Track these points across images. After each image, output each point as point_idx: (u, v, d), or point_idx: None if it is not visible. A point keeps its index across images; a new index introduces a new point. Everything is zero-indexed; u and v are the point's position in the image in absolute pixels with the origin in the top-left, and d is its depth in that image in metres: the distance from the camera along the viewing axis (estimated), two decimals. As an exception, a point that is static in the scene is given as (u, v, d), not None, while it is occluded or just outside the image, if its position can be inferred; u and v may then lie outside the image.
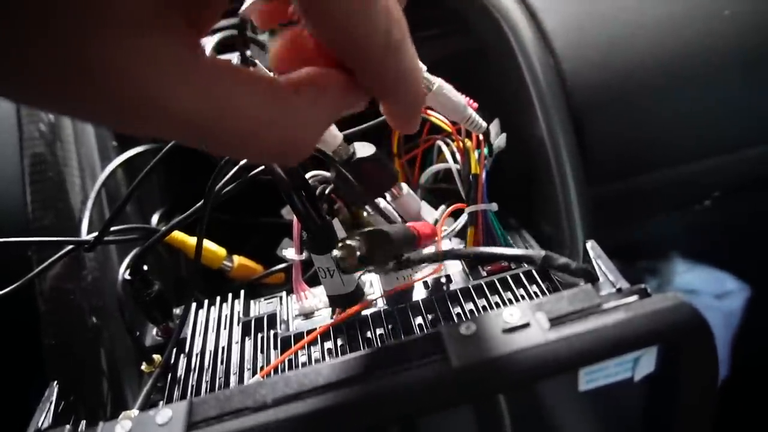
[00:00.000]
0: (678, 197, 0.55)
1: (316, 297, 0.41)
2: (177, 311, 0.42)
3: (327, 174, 0.41)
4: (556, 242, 0.43)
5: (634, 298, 0.24)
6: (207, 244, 0.45)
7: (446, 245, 0.43)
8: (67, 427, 0.25)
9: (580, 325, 0.23)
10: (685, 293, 0.89)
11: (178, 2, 0.15)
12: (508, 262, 0.38)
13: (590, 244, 0.29)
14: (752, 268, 0.89)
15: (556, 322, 0.24)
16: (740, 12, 0.48)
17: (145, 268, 0.36)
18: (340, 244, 0.25)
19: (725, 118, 0.49)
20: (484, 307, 0.36)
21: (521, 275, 0.37)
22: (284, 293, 0.43)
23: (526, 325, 0.23)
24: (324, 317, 0.40)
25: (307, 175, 0.41)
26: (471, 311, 0.36)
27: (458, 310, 0.36)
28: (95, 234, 0.35)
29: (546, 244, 0.44)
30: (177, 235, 0.43)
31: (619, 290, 0.26)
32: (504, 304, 0.36)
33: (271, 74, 0.22)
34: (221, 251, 0.46)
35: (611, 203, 0.52)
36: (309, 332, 0.37)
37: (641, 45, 0.49)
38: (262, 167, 0.34)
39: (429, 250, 0.43)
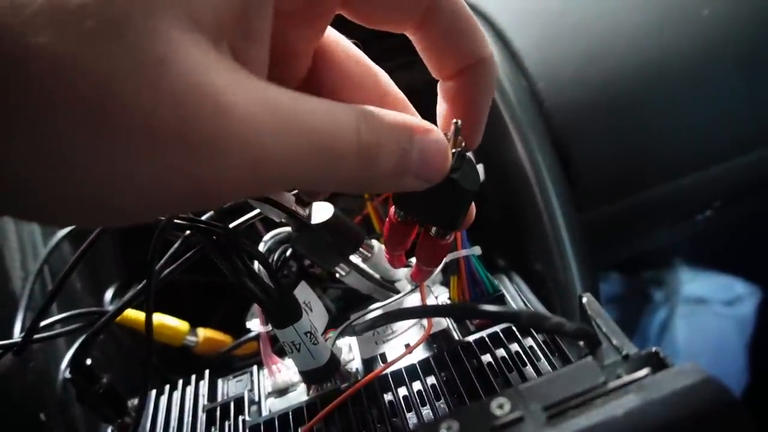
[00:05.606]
0: (677, 212, 0.51)
1: (291, 369, 0.37)
2: (135, 401, 0.37)
3: (288, 230, 0.37)
4: (549, 280, 0.39)
5: (646, 371, 0.20)
6: (165, 319, 0.41)
7: (430, 296, 0.39)
8: None
9: (583, 418, 0.18)
10: (694, 302, 0.85)
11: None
12: (490, 320, 0.34)
13: (586, 299, 0.25)
14: (761, 269, 0.85)
15: (554, 411, 0.19)
16: (719, 11, 0.45)
17: (89, 362, 0.32)
18: None
19: (717, 124, 0.46)
20: (476, 371, 0.31)
21: (513, 328, 0.33)
22: (255, 367, 0.39)
23: (518, 420, 0.19)
24: (300, 392, 0.36)
25: (267, 236, 0.37)
26: (458, 379, 0.31)
27: (446, 376, 0.32)
28: (24, 334, 0.31)
29: (539, 283, 0.39)
30: (129, 314, 0.38)
31: (626, 357, 0.22)
32: (497, 365, 0.31)
33: None
34: (183, 326, 0.41)
35: (607, 225, 0.48)
36: (281, 417, 0.33)
37: (619, 54, 0.45)
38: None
39: (410, 302, 0.39)
